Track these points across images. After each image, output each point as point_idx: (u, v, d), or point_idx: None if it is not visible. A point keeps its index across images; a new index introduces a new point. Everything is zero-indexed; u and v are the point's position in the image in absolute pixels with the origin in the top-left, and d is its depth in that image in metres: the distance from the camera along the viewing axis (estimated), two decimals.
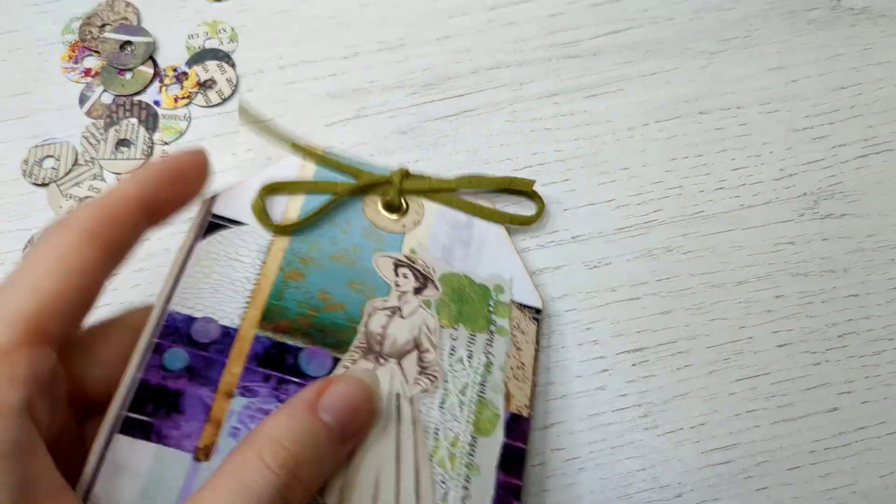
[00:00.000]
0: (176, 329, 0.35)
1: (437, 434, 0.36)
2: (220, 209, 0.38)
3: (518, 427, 0.37)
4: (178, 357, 0.34)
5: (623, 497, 0.38)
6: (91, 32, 0.50)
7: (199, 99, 0.48)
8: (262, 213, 0.38)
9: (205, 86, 0.48)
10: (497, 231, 0.42)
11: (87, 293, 0.30)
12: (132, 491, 0.31)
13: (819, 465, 0.39)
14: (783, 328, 0.41)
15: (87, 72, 0.49)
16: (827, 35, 0.48)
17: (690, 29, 0.48)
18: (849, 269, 0.43)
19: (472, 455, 0.35)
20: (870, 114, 0.46)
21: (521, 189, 0.43)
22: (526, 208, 0.44)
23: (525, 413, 0.37)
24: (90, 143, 0.47)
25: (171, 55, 0.50)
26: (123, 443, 0.32)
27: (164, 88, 0.49)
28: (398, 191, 0.41)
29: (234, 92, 0.48)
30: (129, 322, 0.35)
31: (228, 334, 0.35)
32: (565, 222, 0.44)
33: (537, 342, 0.39)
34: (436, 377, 0.37)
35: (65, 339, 0.30)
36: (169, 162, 0.34)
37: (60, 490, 0.27)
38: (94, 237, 0.31)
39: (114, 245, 0.32)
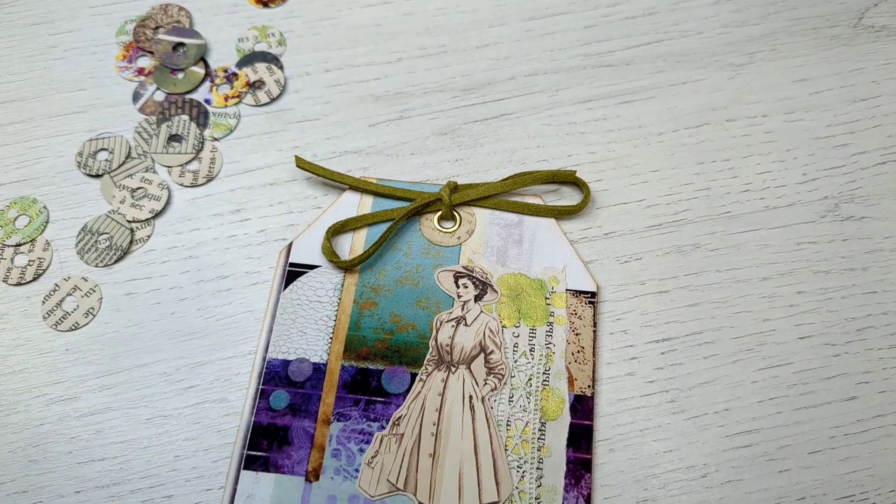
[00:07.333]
0: (276, 373, 0.44)
1: (508, 425, 0.42)
2: (295, 257, 0.47)
3: (583, 406, 0.43)
4: (281, 398, 0.43)
5: (650, 476, 0.42)
6: (145, 34, 0.55)
7: (249, 98, 0.53)
8: (331, 254, 0.46)
9: (254, 86, 0.53)
10: (547, 224, 0.48)
11: None
12: None
13: (838, 449, 0.43)
14: (805, 321, 0.46)
15: (140, 71, 0.54)
16: (848, 50, 0.52)
17: (719, 42, 0.53)
18: (867, 268, 0.47)
19: (542, 439, 0.42)
20: (888, 124, 0.50)
21: (564, 179, 0.48)
22: (568, 198, 0.49)
23: (588, 392, 0.43)
24: (143, 138, 0.52)
25: (222, 57, 0.55)
26: (247, 476, 0.41)
27: (214, 88, 0.54)
28: (449, 205, 0.47)
29: (281, 92, 0.53)
30: None
31: (319, 370, 0.44)
32: (598, 220, 0.49)
33: (594, 324, 0.45)
34: (503, 375, 0.43)
35: None
36: None
37: None
38: None
39: None
